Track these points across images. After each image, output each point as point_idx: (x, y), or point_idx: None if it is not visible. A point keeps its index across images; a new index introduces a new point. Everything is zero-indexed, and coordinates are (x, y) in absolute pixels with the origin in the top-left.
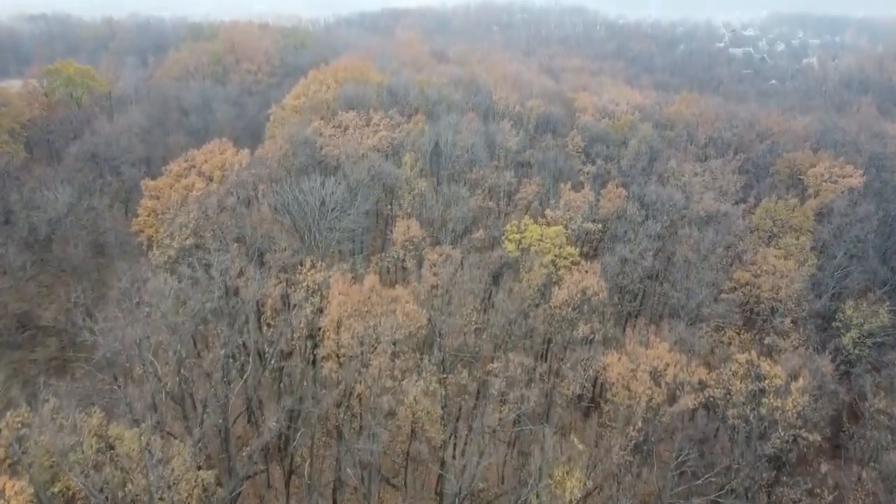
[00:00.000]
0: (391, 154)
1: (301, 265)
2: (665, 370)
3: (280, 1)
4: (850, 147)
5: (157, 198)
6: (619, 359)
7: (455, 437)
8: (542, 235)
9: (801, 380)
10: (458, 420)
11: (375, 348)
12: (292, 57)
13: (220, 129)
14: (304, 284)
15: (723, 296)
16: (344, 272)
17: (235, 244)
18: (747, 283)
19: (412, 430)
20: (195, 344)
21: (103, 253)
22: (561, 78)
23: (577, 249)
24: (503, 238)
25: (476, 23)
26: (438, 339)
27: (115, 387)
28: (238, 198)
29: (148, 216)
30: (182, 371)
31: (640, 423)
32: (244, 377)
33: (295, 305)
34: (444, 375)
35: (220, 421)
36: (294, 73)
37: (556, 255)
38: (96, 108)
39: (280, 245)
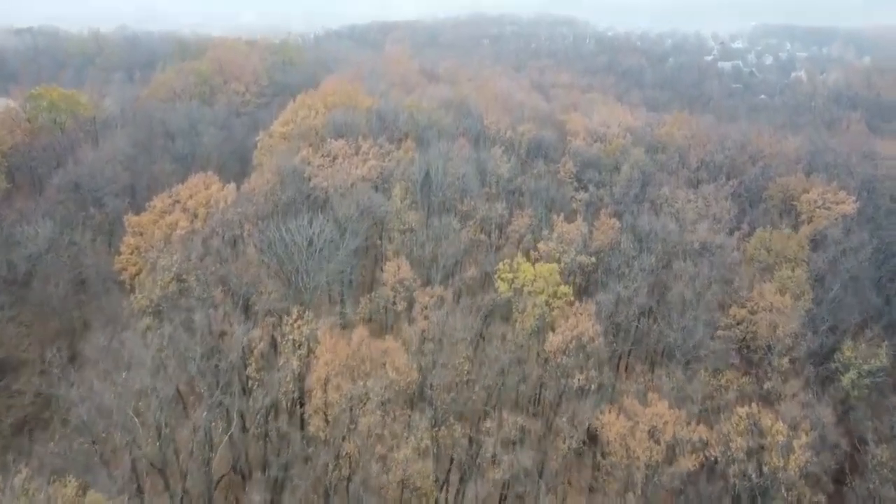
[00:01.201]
0: (381, 184)
1: (287, 314)
2: (664, 428)
3: (269, 9)
4: (841, 169)
5: (141, 234)
6: (617, 417)
7: (447, 488)
8: (535, 275)
9: (803, 436)
10: (449, 471)
11: (365, 404)
12: (281, 75)
13: (206, 155)
14: (291, 337)
15: (719, 332)
16: (332, 325)
17: (220, 288)
18: (743, 320)
19: (403, 484)
20: (180, 395)
21: (85, 289)
22: (551, 95)
23: (571, 287)
24: (496, 276)
25: (466, 36)
26: (430, 392)
27: (94, 448)
28: (223, 238)
29: (131, 254)
30: (163, 434)
31: (639, 490)
32: (229, 432)
33: (282, 361)
34: (437, 429)
35: (204, 488)
36: (283, 93)
37: (549, 295)
38: (81, 133)
39: (266, 289)
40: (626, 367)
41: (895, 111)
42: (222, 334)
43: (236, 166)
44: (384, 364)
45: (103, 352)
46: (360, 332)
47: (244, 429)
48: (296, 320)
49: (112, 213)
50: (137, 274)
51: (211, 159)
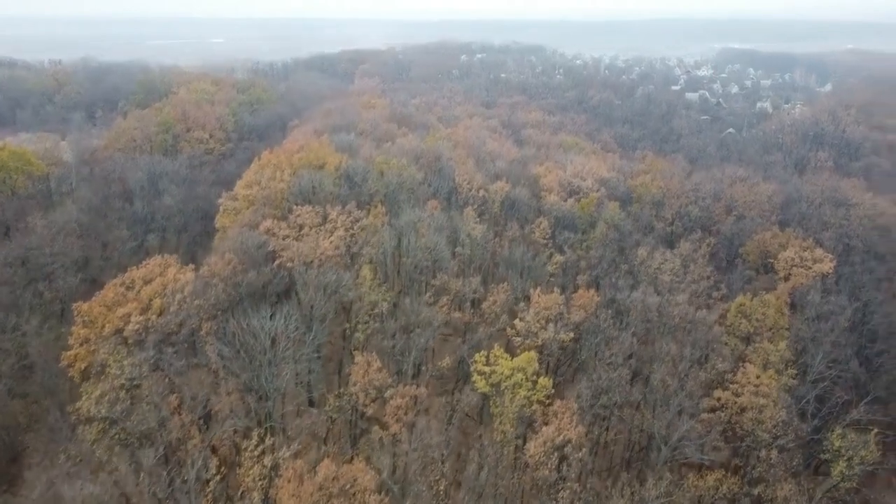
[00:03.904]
0: (349, 260)
1: (248, 435)
2: None
3: (237, 33)
4: (815, 221)
5: (91, 322)
6: None
7: None
8: (513, 369)
9: None
10: None
11: None
12: (248, 117)
13: (167, 215)
14: (251, 472)
15: (703, 416)
16: (293, 454)
17: (175, 396)
18: (727, 403)
19: None
20: None
21: (32, 380)
22: (523, 136)
23: (549, 374)
24: (472, 370)
25: (436, 67)
26: None
27: None
28: (179, 335)
29: (81, 345)
30: None
31: None
32: None
33: (241, 492)
34: None
35: None
36: (250, 136)
37: (529, 390)
38: (33, 192)
39: (226, 390)
40: (606, 449)
41: (860, 149)
42: (180, 465)
43: (198, 226)
44: (353, 493)
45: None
46: (325, 466)
47: None
48: (257, 445)
49: (63, 290)
50: (87, 369)
51: (172, 220)
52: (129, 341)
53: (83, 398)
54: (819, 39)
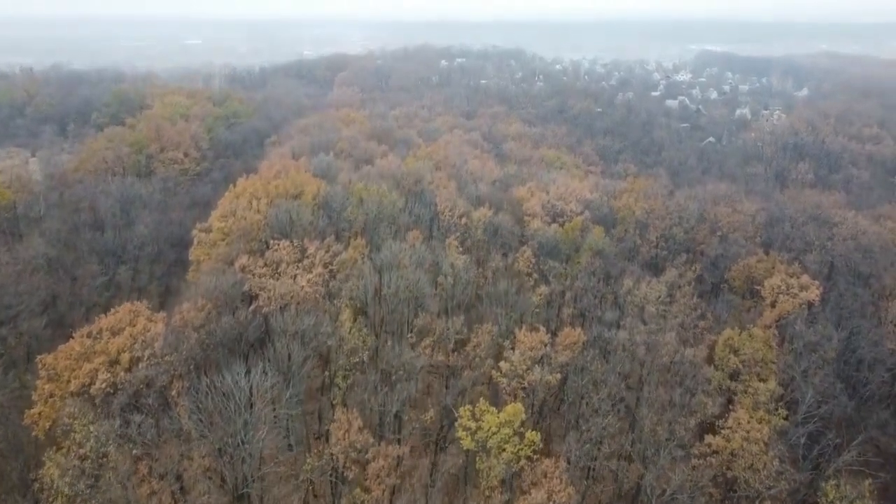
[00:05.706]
0: (328, 298)
1: None
2: None
3: (215, 34)
4: (798, 241)
5: (57, 377)
6: None
7: None
8: (499, 423)
9: None
10: None
11: None
12: (224, 132)
13: (140, 244)
14: None
15: (694, 461)
16: None
17: (145, 463)
18: (718, 450)
19: None
20: None
21: None
22: (504, 150)
23: (537, 427)
24: (457, 424)
25: (416, 75)
26: None
27: None
28: (150, 395)
29: (45, 403)
30: None
31: None
32: None
33: None
34: None
35: None
36: (226, 153)
37: (516, 445)
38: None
39: (199, 459)
40: (595, 501)
41: (839, 161)
42: None
43: (172, 254)
44: None
45: None
46: None
47: None
48: None
49: (28, 334)
50: (52, 426)
51: (144, 250)
52: (97, 401)
53: (47, 465)
54: (793, 40)
